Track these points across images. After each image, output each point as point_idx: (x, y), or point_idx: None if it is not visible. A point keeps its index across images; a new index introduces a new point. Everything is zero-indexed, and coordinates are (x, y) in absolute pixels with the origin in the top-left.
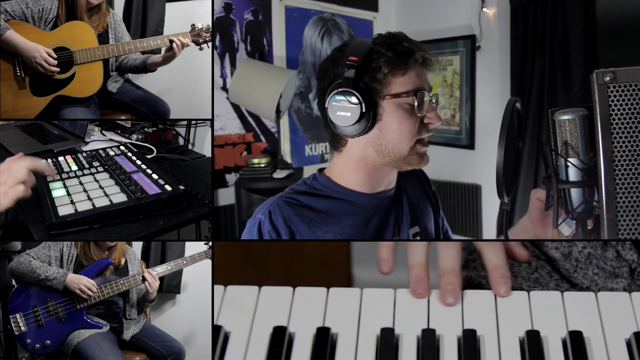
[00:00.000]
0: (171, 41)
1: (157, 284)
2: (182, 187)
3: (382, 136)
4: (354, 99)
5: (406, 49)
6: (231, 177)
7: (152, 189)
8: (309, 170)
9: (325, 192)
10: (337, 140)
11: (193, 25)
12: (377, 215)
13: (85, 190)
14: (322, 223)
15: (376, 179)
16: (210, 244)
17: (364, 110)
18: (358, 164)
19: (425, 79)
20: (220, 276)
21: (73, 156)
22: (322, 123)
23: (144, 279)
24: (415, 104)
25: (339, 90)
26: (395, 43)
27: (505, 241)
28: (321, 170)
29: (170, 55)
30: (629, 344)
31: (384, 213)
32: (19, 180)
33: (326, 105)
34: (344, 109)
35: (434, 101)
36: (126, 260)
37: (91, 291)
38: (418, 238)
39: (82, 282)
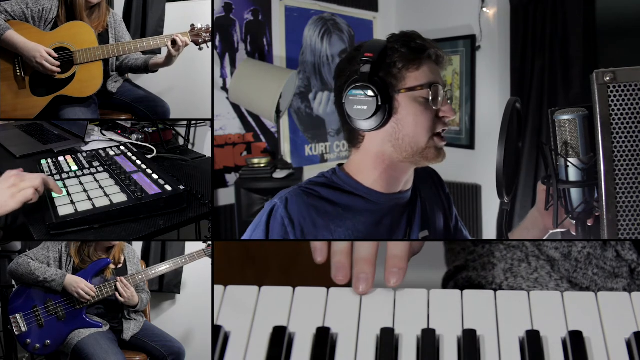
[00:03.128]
0: (174, 41)
1: (129, 292)
2: (182, 187)
3: (398, 130)
4: (370, 93)
5: (419, 45)
6: (231, 177)
7: (152, 189)
8: (309, 170)
9: (344, 187)
10: (354, 137)
11: (192, 25)
12: (389, 216)
13: (85, 190)
14: (337, 217)
15: (393, 176)
16: (209, 242)
17: (379, 104)
18: (376, 160)
19: (438, 75)
20: (220, 276)
21: (73, 156)
22: (340, 121)
23: (116, 288)
24: (430, 97)
25: (356, 85)
26: (409, 40)
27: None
28: (340, 165)
29: (171, 55)
30: (629, 344)
31: (397, 214)
32: (31, 185)
33: (343, 101)
34: (360, 102)
35: (448, 96)
36: (125, 260)
37: (89, 295)
38: None
39: (80, 286)
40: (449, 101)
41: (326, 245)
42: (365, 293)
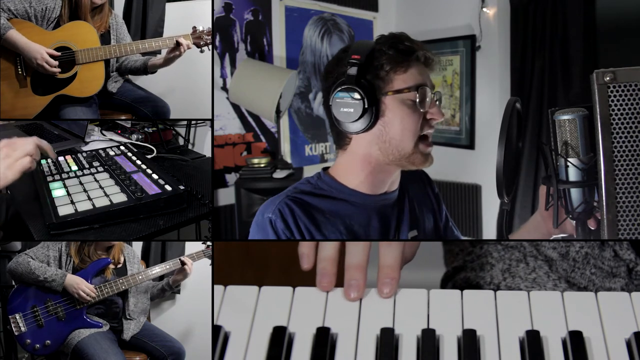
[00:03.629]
0: (179, 42)
1: (192, 266)
2: (182, 187)
3: (385, 132)
4: (356, 95)
5: (408, 47)
6: (231, 177)
7: (152, 189)
8: (309, 170)
9: (329, 193)
10: (341, 139)
11: (194, 27)
12: (378, 217)
13: (85, 190)
14: (327, 223)
15: (379, 178)
16: (209, 243)
17: (366, 106)
18: (362, 162)
19: (427, 77)
20: (220, 276)
21: (73, 156)
22: (328, 123)
23: (183, 263)
24: (417, 99)
25: (342, 87)
26: (397, 42)
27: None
28: (325, 169)
29: (171, 57)
30: (629, 344)
31: (386, 215)
32: (25, 152)
33: (330, 103)
34: (347, 105)
35: (437, 98)
36: (125, 260)
37: (90, 297)
38: None
39: (81, 287)
40: (437, 102)
41: (313, 251)
42: (358, 299)
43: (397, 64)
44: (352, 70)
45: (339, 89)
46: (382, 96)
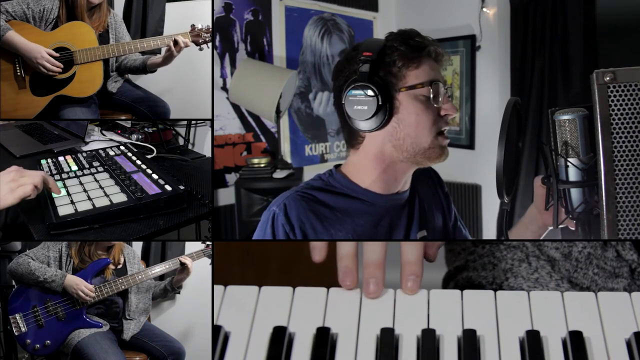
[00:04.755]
0: (176, 41)
1: (192, 265)
2: (182, 187)
3: (399, 130)
4: (370, 92)
5: (418, 43)
6: (231, 177)
7: (152, 189)
8: (309, 170)
9: (341, 190)
10: (353, 138)
11: (193, 25)
12: (388, 217)
13: (85, 190)
14: (336, 221)
15: (393, 176)
16: (209, 242)
17: (380, 103)
18: (375, 160)
19: (438, 73)
20: (220, 276)
21: (73, 156)
22: (340, 122)
23: (183, 264)
24: (431, 95)
25: (355, 84)
26: (408, 38)
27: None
28: (337, 166)
29: (169, 55)
30: (629, 344)
31: (396, 215)
32: (30, 182)
33: (343, 101)
34: (360, 102)
35: (448, 93)
36: (125, 260)
37: (89, 297)
38: None
39: (80, 287)
40: (449, 98)
41: (325, 244)
42: (377, 296)
43: (409, 60)
44: (365, 67)
45: (352, 86)
46: (396, 93)
